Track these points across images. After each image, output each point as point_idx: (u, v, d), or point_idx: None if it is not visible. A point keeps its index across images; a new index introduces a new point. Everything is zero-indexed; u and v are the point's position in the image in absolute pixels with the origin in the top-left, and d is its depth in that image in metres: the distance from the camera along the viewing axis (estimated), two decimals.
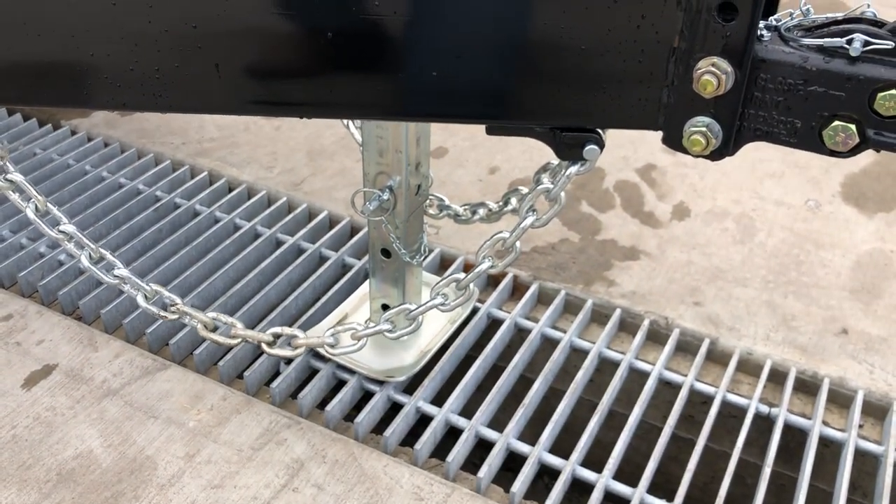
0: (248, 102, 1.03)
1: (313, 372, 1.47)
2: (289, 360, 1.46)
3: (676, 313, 1.58)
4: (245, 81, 1.01)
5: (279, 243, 1.75)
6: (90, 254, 1.26)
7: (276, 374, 1.47)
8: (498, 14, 0.93)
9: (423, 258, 1.45)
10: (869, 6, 0.95)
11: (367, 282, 1.60)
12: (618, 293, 1.63)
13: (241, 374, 1.45)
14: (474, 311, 1.58)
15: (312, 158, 2.02)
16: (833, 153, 0.93)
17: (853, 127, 0.91)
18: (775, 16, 0.97)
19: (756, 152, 1.93)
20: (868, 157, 2.03)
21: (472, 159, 2.04)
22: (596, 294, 1.62)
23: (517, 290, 1.67)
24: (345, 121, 1.48)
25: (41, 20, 0.97)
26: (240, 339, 1.30)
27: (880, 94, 0.88)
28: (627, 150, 2.07)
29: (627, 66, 0.95)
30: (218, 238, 1.74)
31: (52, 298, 1.59)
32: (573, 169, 1.07)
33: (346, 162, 2.00)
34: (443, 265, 1.73)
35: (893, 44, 0.87)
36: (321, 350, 1.35)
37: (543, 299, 1.65)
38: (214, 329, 1.31)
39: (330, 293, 1.60)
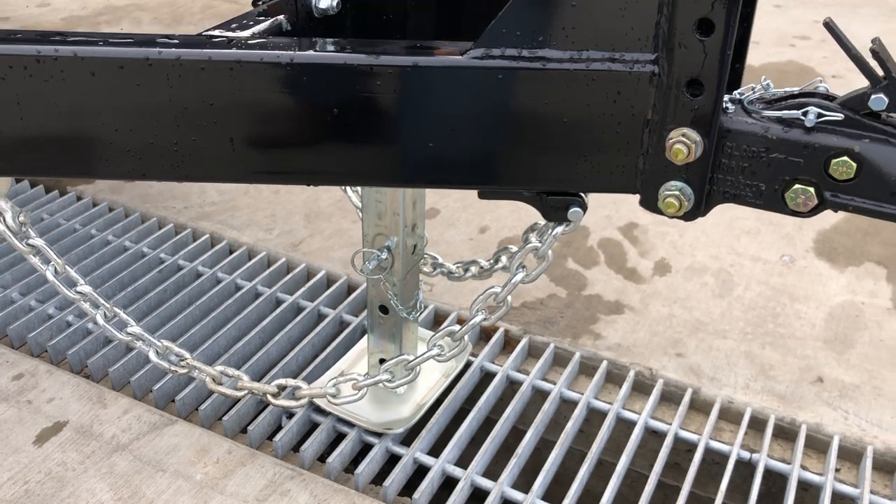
0: (259, 172, 1.12)
1: (314, 426, 1.53)
2: (291, 414, 1.52)
3: (660, 364, 1.66)
4: (257, 153, 1.09)
5: (279, 302, 1.82)
6: (105, 312, 1.33)
7: (279, 427, 1.53)
8: (488, 93, 1.03)
9: (418, 314, 1.52)
10: (822, 81, 1.05)
11: (364, 338, 1.67)
12: (604, 346, 1.71)
13: (244, 428, 1.51)
14: (467, 365, 1.65)
15: (310, 220, 2.10)
16: (795, 213, 1.02)
17: (812, 189, 1.00)
18: (739, 90, 1.08)
19: (732, 211, 2.03)
20: (838, 214, 2.13)
21: (463, 219, 2.13)
22: (583, 347, 1.70)
23: (508, 343, 1.74)
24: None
25: (70, 99, 1.06)
26: (246, 392, 1.37)
27: (833, 161, 0.98)
28: (610, 209, 2.17)
29: (606, 137, 1.04)
30: (220, 298, 1.81)
31: (62, 358, 1.65)
32: (559, 229, 1.16)
33: (343, 223, 2.09)
34: (437, 321, 1.80)
35: (843, 116, 0.97)
36: (322, 402, 1.41)
37: (533, 352, 1.72)
38: (221, 382, 1.37)
39: (329, 349, 1.67)
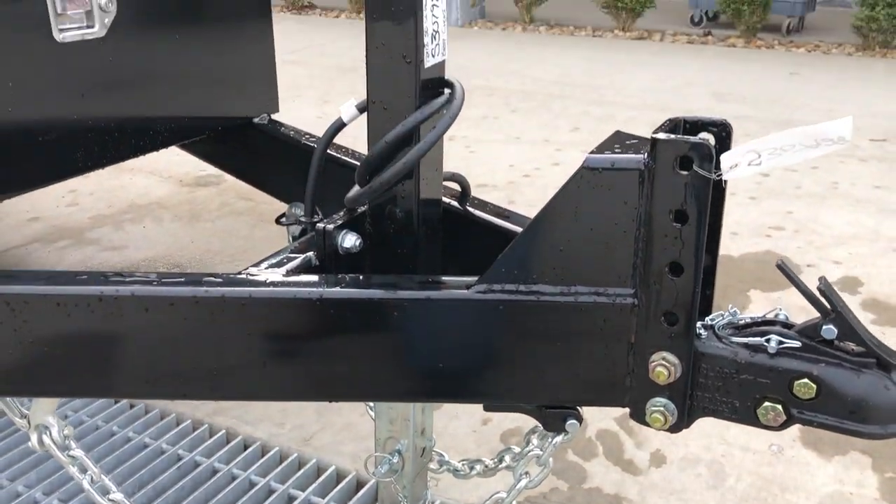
0: (289, 392, 1.24)
1: None
2: None
3: None
4: (288, 375, 1.23)
5: (291, 499, 1.90)
6: None
7: None
8: (490, 322, 1.18)
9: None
10: (781, 310, 1.21)
11: None
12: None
13: None
14: None
15: (321, 414, 2.21)
16: (767, 428, 1.15)
17: (780, 407, 1.13)
18: (710, 316, 1.23)
19: None
20: None
21: (465, 411, 2.24)
22: None
23: None
24: None
25: (126, 332, 1.20)
26: None
27: (796, 382, 1.11)
28: None
29: (595, 359, 1.18)
30: (235, 495, 1.89)
31: None
32: (558, 439, 1.28)
33: (352, 416, 2.19)
34: None
35: (800, 343, 1.12)
36: None
37: None
38: None
39: None
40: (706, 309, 1.26)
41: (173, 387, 1.23)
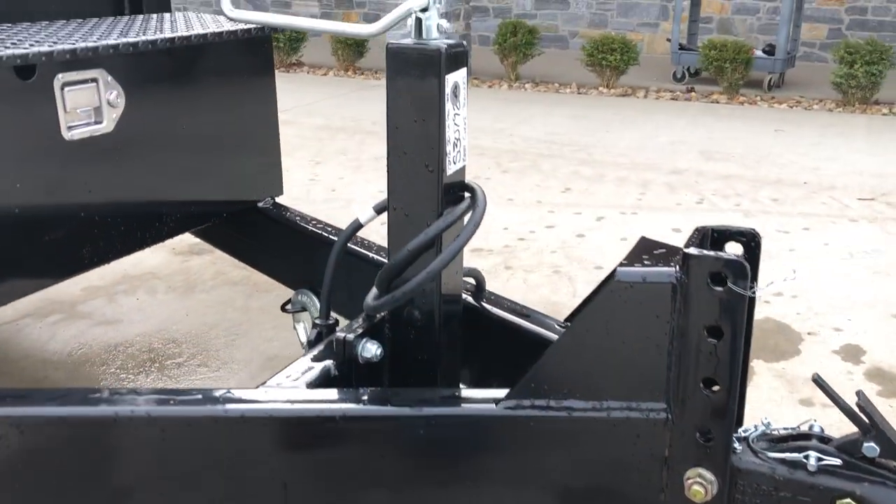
0: None
1: None
2: None
3: None
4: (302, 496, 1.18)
5: None
6: None
7: None
8: (520, 439, 1.14)
9: None
10: (815, 421, 1.18)
11: None
12: None
13: None
14: None
15: None
16: None
17: None
18: (743, 427, 1.20)
19: None
20: None
21: None
22: None
23: None
24: None
25: (141, 455, 1.16)
26: None
27: (839, 500, 1.08)
28: None
29: (628, 474, 1.15)
30: None
31: None
32: None
33: None
34: None
35: (841, 461, 1.09)
36: None
37: None
38: None
39: None
40: (738, 419, 1.23)
41: None
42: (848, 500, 1.08)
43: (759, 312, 3.33)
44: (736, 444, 1.15)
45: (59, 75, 1.49)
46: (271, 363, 2.73)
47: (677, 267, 1.07)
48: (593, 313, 1.10)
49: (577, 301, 3.41)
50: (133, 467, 1.13)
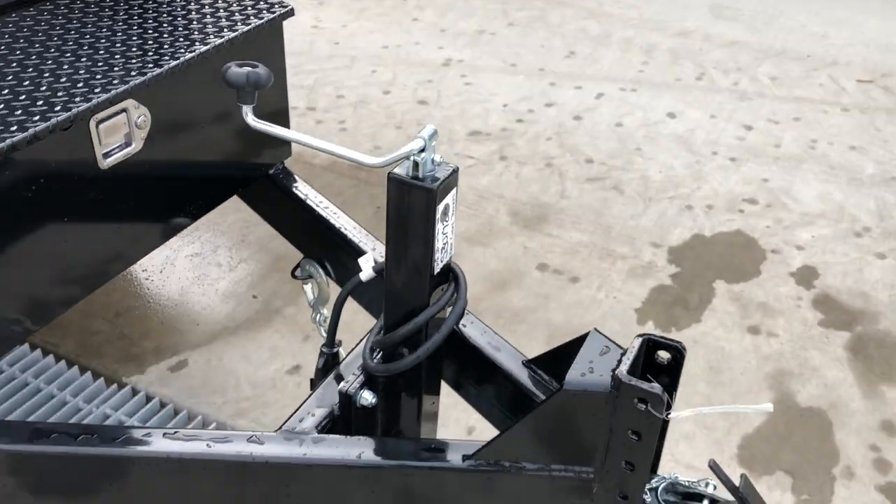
0: None
1: None
2: None
3: None
4: None
5: None
6: None
7: None
8: (478, 489, 1.48)
9: None
10: (710, 482, 1.51)
11: None
12: None
13: None
14: None
15: None
16: None
17: None
18: (656, 478, 1.52)
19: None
20: (761, 421, 2.61)
21: None
22: None
23: None
24: None
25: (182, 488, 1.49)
26: None
27: None
28: None
29: None
30: None
31: None
32: None
33: None
34: None
35: None
36: None
37: None
38: None
39: None
40: (654, 467, 1.56)
41: None
42: None
43: (732, 224, 3.60)
44: (646, 495, 1.49)
45: (95, 116, 1.65)
46: None
47: (611, 381, 1.35)
48: (546, 410, 1.39)
49: (564, 202, 3.66)
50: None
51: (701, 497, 1.50)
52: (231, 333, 2.87)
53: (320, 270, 2.18)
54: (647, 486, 1.51)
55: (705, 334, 2.96)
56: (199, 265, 3.21)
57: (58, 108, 1.59)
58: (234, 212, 3.37)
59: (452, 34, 5.34)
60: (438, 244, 1.43)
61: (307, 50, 5.01)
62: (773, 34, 5.55)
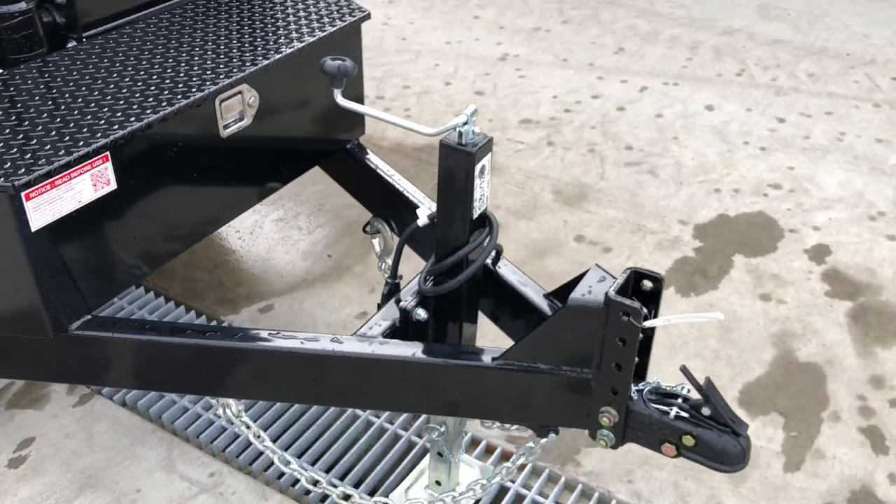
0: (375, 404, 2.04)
1: None
2: None
3: (615, 488, 2.56)
4: (382, 395, 2.02)
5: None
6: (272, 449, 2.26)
7: None
8: (507, 382, 1.94)
9: (460, 453, 2.44)
10: (685, 386, 1.93)
11: (426, 457, 2.59)
12: (581, 472, 2.61)
13: None
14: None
15: None
16: (665, 455, 1.91)
17: (673, 447, 1.89)
18: (643, 382, 1.95)
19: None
20: (761, 368, 3.00)
21: None
22: (568, 473, 2.61)
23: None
24: None
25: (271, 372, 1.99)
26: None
27: (683, 436, 1.86)
28: None
29: (571, 404, 1.95)
30: (356, 434, 2.76)
31: (237, 465, 2.61)
32: (544, 440, 2.07)
33: None
34: (473, 443, 2.72)
35: (688, 414, 1.85)
36: None
37: (535, 472, 2.64)
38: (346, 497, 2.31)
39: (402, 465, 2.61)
40: (642, 372, 1.98)
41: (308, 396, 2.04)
42: (689, 435, 1.85)
43: (755, 206, 3.96)
44: (633, 394, 1.92)
45: (219, 96, 2.17)
46: None
47: (605, 300, 1.79)
48: (555, 321, 1.84)
49: (603, 184, 4.08)
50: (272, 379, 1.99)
51: (676, 396, 1.93)
52: (309, 285, 3.39)
53: (386, 226, 2.67)
54: (635, 388, 1.95)
55: (721, 299, 3.36)
56: (283, 228, 3.74)
57: (194, 89, 2.11)
58: (312, 184, 3.89)
59: (510, 31, 5.78)
60: (476, 195, 1.90)
61: (377, 45, 5.51)
62: (815, 33, 5.83)
